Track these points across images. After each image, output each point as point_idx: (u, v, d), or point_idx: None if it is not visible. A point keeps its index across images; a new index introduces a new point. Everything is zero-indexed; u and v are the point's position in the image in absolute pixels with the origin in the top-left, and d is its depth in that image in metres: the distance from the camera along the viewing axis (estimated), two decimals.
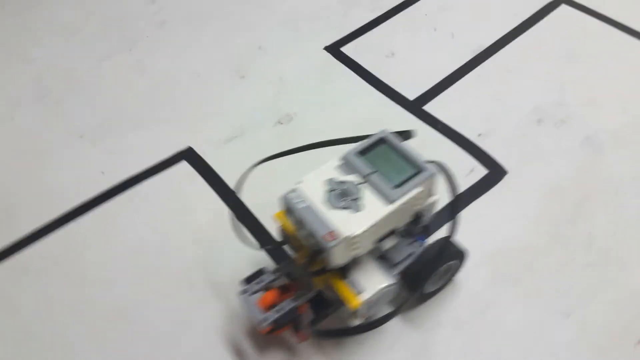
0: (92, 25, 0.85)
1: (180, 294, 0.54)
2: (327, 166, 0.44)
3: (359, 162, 0.43)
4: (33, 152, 0.69)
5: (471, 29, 0.77)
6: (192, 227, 0.59)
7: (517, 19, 0.77)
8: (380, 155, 0.43)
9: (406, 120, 0.66)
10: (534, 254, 0.54)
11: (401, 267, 0.46)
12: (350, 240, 0.39)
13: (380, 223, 0.40)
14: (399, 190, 0.41)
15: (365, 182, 0.42)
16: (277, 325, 0.44)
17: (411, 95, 0.70)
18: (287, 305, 0.44)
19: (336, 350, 0.49)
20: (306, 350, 0.49)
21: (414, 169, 0.42)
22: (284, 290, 0.46)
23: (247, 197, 0.60)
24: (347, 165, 0.43)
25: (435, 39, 0.77)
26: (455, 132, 0.65)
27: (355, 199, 0.41)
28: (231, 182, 0.63)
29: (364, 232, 0.39)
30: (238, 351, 0.50)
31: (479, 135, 0.64)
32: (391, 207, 0.40)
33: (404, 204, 0.41)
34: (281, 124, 0.68)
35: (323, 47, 0.77)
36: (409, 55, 0.75)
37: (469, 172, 0.61)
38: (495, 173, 0.61)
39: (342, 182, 0.42)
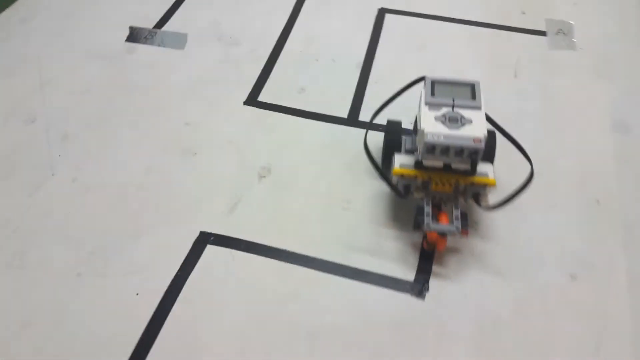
0: None
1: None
2: (423, 112, 0.60)
3: (439, 99, 0.60)
4: (40, 316, 0.60)
5: (342, 51, 0.93)
6: (272, 293, 0.62)
7: (366, 34, 0.96)
8: (443, 89, 0.61)
9: (357, 133, 0.79)
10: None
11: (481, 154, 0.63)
12: (482, 140, 0.57)
13: None
14: (476, 100, 0.60)
15: (453, 107, 0.59)
16: (465, 226, 0.62)
17: (343, 113, 0.83)
18: (457, 214, 0.62)
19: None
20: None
21: (469, 84, 0.61)
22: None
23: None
24: (432, 105, 0.60)
25: (324, 67, 0.90)
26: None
27: (462, 118, 0.58)
28: (266, 240, 0.67)
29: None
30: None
31: (411, 123, 0.81)
32: (484, 110, 0.59)
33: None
34: (264, 177, 0.74)
35: (242, 103, 0.84)
36: (316, 85, 0.87)
37: None
38: None
39: (444, 114, 0.58)
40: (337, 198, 0.71)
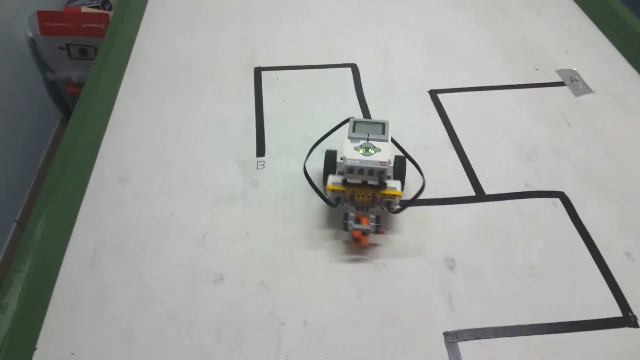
0: None
1: None
2: (347, 143, 0.82)
3: (359, 134, 0.83)
4: None
5: (429, 138, 1.06)
6: None
7: (435, 116, 1.11)
8: (362, 126, 0.84)
9: (491, 206, 0.93)
10: None
11: (387, 173, 0.84)
12: (388, 163, 0.80)
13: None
14: (385, 134, 0.83)
15: (369, 139, 0.82)
16: (379, 226, 0.84)
17: (469, 192, 0.96)
18: (373, 217, 0.84)
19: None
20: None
21: (380, 123, 0.85)
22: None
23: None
24: (353, 138, 0.83)
25: (425, 155, 1.03)
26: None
27: (374, 147, 0.81)
28: (493, 322, 0.78)
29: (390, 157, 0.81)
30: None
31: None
32: (390, 142, 0.83)
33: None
34: (453, 267, 0.85)
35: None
36: (433, 170, 0.99)
37: None
38: None
39: (362, 145, 0.81)
40: (520, 267, 0.84)
